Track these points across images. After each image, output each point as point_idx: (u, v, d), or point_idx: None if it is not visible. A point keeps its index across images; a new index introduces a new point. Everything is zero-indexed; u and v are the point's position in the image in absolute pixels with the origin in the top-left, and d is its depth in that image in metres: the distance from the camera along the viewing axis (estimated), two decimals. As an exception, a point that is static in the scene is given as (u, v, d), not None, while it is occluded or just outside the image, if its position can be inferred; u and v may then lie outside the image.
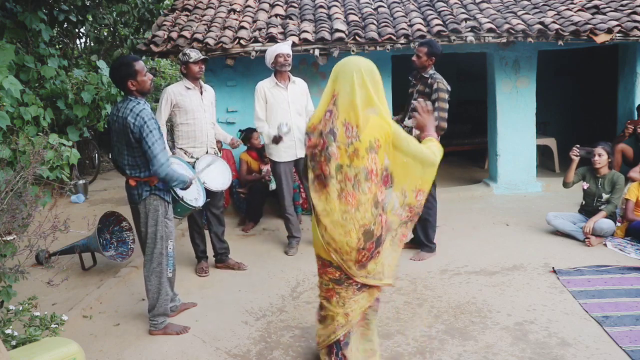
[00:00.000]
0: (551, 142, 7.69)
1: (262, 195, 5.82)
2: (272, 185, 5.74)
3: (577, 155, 5.01)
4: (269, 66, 4.75)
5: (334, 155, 2.45)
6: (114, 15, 10.14)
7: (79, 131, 6.95)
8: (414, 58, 4.44)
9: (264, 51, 5.66)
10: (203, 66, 4.29)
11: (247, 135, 5.90)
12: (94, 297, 3.99)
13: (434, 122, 2.82)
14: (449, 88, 4.37)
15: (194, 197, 3.76)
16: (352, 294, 2.61)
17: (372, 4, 6.83)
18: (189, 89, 4.27)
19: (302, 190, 5.73)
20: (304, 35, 5.82)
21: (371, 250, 2.53)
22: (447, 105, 4.33)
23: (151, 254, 3.31)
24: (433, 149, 2.61)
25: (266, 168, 5.85)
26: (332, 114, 2.47)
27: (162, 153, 3.11)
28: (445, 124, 4.32)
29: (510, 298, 3.71)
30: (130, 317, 3.71)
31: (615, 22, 5.96)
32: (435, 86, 4.32)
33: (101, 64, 7.13)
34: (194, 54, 4.22)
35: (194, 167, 4.15)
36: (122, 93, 3.26)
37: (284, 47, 4.72)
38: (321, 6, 6.77)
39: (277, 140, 4.66)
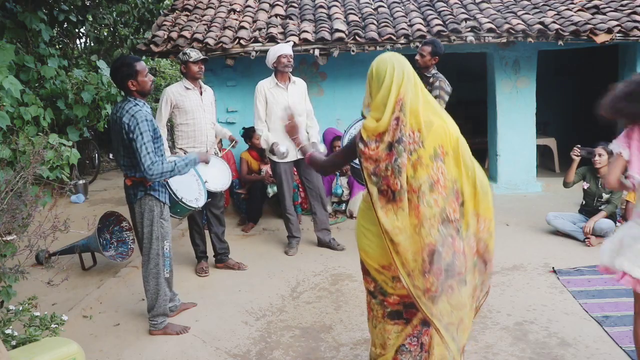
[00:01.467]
0: (551, 142, 7.69)
1: (262, 195, 5.82)
2: (271, 191, 5.73)
3: (578, 155, 5.01)
4: (270, 66, 4.74)
5: (405, 167, 2.14)
6: (114, 15, 10.14)
7: (79, 131, 6.95)
8: (417, 57, 4.43)
9: (264, 51, 5.67)
10: (203, 66, 4.28)
11: (248, 133, 5.90)
12: (94, 297, 3.99)
13: None
14: (450, 89, 4.38)
15: (195, 198, 3.76)
16: (382, 318, 2.35)
17: (372, 4, 6.83)
18: (188, 89, 4.27)
19: (301, 190, 5.73)
20: (304, 35, 5.82)
21: (439, 277, 2.13)
22: (444, 105, 4.34)
23: (147, 254, 3.31)
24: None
25: (266, 168, 5.85)
26: (400, 121, 2.15)
27: (151, 154, 3.04)
28: None
29: (510, 298, 3.71)
30: (130, 317, 3.71)
31: (615, 22, 5.96)
32: (437, 84, 4.34)
33: (101, 64, 7.13)
34: (194, 54, 4.22)
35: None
36: (122, 93, 3.27)
37: (287, 48, 4.70)
38: (321, 6, 6.77)
39: (273, 151, 4.69)
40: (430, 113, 2.20)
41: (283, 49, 4.67)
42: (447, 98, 4.35)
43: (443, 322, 2.17)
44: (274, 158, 4.83)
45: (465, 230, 2.23)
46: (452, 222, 2.17)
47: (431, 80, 4.38)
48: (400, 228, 2.17)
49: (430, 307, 2.16)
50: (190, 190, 3.76)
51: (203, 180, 3.95)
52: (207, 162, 3.74)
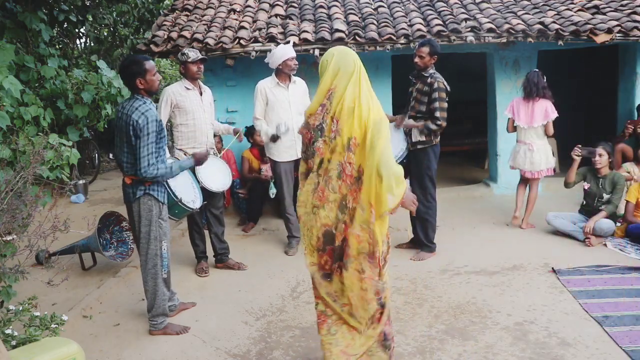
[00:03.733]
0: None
1: (262, 195, 5.82)
2: (272, 192, 5.72)
3: (578, 156, 5.01)
4: (273, 66, 4.72)
5: (319, 151, 2.40)
6: (114, 15, 10.14)
7: (79, 131, 6.95)
8: (416, 60, 4.43)
9: (264, 51, 5.68)
10: (202, 66, 4.28)
11: (250, 131, 5.90)
12: (94, 297, 3.99)
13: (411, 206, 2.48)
14: (448, 88, 4.39)
15: (192, 199, 3.76)
16: (339, 328, 2.48)
17: (372, 4, 6.82)
18: (188, 89, 4.27)
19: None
20: (304, 35, 5.82)
21: (332, 257, 2.38)
22: (446, 105, 4.35)
23: (145, 254, 3.31)
24: (395, 166, 2.31)
25: (266, 167, 5.85)
26: (324, 108, 2.40)
27: (150, 156, 3.09)
28: (444, 123, 4.34)
29: (510, 298, 3.71)
30: (130, 317, 3.71)
31: (615, 22, 5.96)
32: (435, 85, 4.33)
33: (101, 64, 7.12)
34: (193, 54, 4.21)
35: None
36: (123, 93, 3.27)
37: (291, 51, 4.68)
38: (321, 6, 6.77)
39: (274, 138, 4.66)
40: (359, 104, 2.34)
41: (290, 52, 4.65)
42: (446, 97, 4.36)
43: (338, 302, 2.41)
44: (274, 157, 4.83)
45: (359, 223, 2.35)
46: (349, 209, 2.34)
47: (429, 80, 4.38)
48: (302, 202, 2.46)
49: (325, 285, 2.43)
50: (188, 191, 3.77)
51: (198, 184, 3.96)
52: (200, 163, 3.68)
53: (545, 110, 5.10)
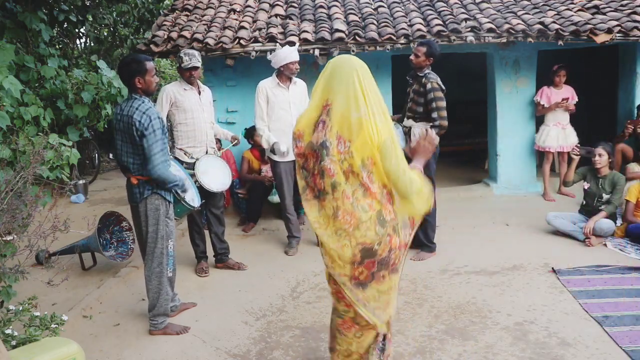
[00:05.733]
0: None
1: (262, 195, 5.82)
2: (275, 198, 5.73)
3: (577, 155, 5.01)
4: (275, 66, 4.72)
5: (329, 172, 2.22)
6: (114, 15, 10.14)
7: (79, 131, 6.95)
8: (411, 57, 4.45)
9: (264, 51, 5.69)
10: (194, 73, 4.22)
11: (251, 132, 5.90)
12: (94, 297, 4.00)
13: (429, 154, 2.47)
14: (444, 88, 4.38)
15: (191, 198, 3.77)
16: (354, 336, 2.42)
17: (372, 4, 6.82)
18: (186, 89, 4.27)
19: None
20: (304, 35, 5.82)
21: (371, 269, 2.26)
22: (444, 104, 4.34)
23: (152, 253, 3.31)
24: (413, 177, 2.26)
25: (266, 168, 5.85)
26: (325, 125, 2.21)
27: (160, 154, 3.11)
28: (446, 122, 4.32)
29: (510, 298, 3.71)
30: (130, 317, 3.72)
31: (615, 22, 5.96)
32: (429, 86, 4.33)
33: (101, 64, 7.12)
34: (186, 59, 4.17)
35: (194, 168, 4.15)
36: (123, 92, 3.27)
37: (296, 55, 4.69)
38: (321, 6, 6.76)
39: (273, 150, 4.70)
40: (368, 119, 2.16)
41: (293, 56, 4.64)
42: (443, 97, 4.34)
43: (369, 307, 2.33)
44: (274, 157, 4.83)
45: (400, 228, 2.32)
46: (388, 222, 2.26)
47: (423, 80, 4.39)
48: (320, 223, 2.30)
49: (356, 293, 2.30)
50: (187, 191, 3.77)
51: (194, 183, 3.97)
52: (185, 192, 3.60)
53: (572, 94, 6.29)
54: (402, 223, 2.33)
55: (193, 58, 4.19)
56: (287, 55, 4.64)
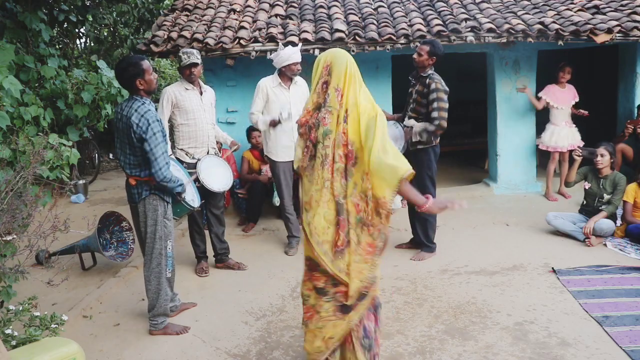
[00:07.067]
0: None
1: (262, 195, 5.82)
2: (276, 201, 5.73)
3: (579, 156, 5.01)
4: (276, 66, 4.72)
5: (323, 121, 2.44)
6: (114, 15, 10.13)
7: (79, 131, 6.93)
8: (414, 56, 4.43)
9: (264, 51, 5.69)
10: (194, 70, 4.22)
11: (248, 133, 5.92)
12: (94, 297, 4.00)
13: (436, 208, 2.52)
14: (447, 89, 4.37)
15: (191, 199, 3.77)
16: (333, 314, 2.47)
17: (372, 4, 6.82)
18: (187, 89, 4.26)
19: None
20: (304, 35, 5.82)
21: (344, 229, 2.40)
22: (447, 105, 4.33)
23: (150, 254, 3.31)
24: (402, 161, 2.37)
25: (266, 168, 5.85)
26: (328, 84, 2.48)
27: (162, 156, 3.12)
28: (445, 123, 4.32)
29: (510, 298, 3.71)
30: (130, 317, 3.72)
31: (615, 22, 5.96)
32: (433, 86, 4.32)
33: (101, 64, 7.11)
34: (184, 58, 4.18)
35: (194, 168, 4.16)
36: (123, 92, 3.27)
37: (299, 56, 4.69)
38: (321, 6, 6.76)
39: (274, 123, 4.64)
40: (358, 85, 2.46)
41: (295, 57, 4.64)
42: (446, 98, 4.34)
43: (342, 272, 2.43)
44: (273, 157, 4.82)
45: (352, 188, 2.43)
46: (349, 177, 2.43)
47: (427, 81, 4.37)
48: (312, 181, 2.47)
49: (337, 263, 2.42)
50: (187, 190, 3.77)
51: (194, 183, 3.98)
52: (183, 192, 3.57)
53: (574, 93, 6.33)
54: (357, 187, 2.43)
55: (192, 55, 4.20)
56: (290, 56, 4.63)
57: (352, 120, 2.42)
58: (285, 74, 4.69)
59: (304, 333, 2.64)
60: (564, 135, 6.26)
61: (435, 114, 4.30)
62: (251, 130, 5.93)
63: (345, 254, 2.42)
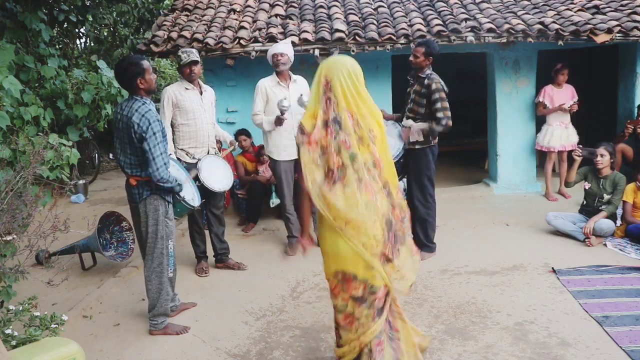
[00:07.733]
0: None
1: (262, 195, 5.82)
2: (273, 202, 5.73)
3: (579, 156, 5.01)
4: (270, 64, 4.77)
5: (345, 144, 2.36)
6: (114, 15, 10.13)
7: (79, 131, 6.93)
8: (411, 58, 4.45)
9: (264, 51, 5.68)
10: (194, 68, 4.22)
11: (235, 138, 5.89)
12: (94, 297, 4.00)
13: None
14: (446, 89, 4.38)
15: (191, 198, 3.77)
16: (372, 319, 2.46)
17: (372, 4, 6.82)
18: (187, 89, 4.26)
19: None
20: (304, 35, 5.82)
21: (393, 243, 2.42)
22: (448, 104, 4.33)
23: (152, 253, 3.31)
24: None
25: (262, 168, 5.87)
26: (331, 101, 2.40)
27: (161, 157, 3.11)
28: (451, 122, 4.32)
29: (510, 298, 3.71)
30: (130, 317, 3.72)
31: (615, 22, 5.96)
32: (433, 87, 4.32)
33: (101, 64, 7.11)
34: (184, 56, 4.19)
35: (195, 167, 4.16)
36: (123, 92, 3.27)
37: (280, 47, 4.74)
38: (321, 6, 6.77)
39: (279, 120, 4.62)
40: (362, 102, 2.43)
41: (277, 48, 4.71)
42: (446, 97, 4.35)
43: (393, 284, 2.49)
44: (274, 157, 4.82)
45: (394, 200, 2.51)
46: (389, 194, 2.45)
47: (426, 81, 4.37)
48: (350, 205, 2.35)
49: (387, 269, 2.43)
50: (187, 189, 3.77)
51: (194, 182, 3.98)
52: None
53: (572, 93, 6.31)
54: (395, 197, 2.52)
55: (191, 54, 4.22)
56: (273, 49, 4.73)
57: (379, 141, 2.47)
58: (280, 71, 4.70)
59: (338, 337, 2.61)
60: (557, 135, 6.25)
61: (440, 114, 4.30)
62: (237, 134, 5.93)
63: (394, 258, 2.48)
